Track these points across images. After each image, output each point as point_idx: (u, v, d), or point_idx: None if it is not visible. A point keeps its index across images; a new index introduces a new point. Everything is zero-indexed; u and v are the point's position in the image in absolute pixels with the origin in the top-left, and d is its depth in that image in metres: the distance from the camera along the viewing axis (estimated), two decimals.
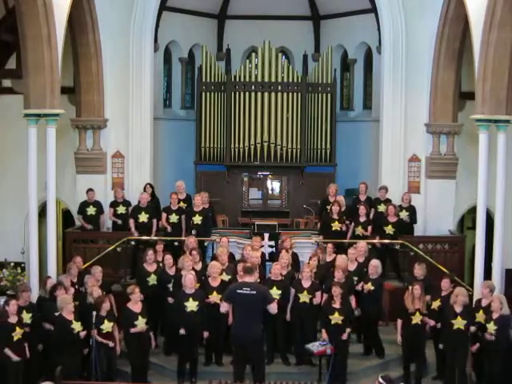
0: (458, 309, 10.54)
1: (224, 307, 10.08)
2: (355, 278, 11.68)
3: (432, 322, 10.90)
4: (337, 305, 10.68)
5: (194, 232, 13.41)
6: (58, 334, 10.29)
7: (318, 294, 11.23)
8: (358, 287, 11.55)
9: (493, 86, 11.80)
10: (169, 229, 13.81)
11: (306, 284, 11.20)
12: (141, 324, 10.54)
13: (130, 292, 10.74)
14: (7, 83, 15.59)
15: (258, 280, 10.80)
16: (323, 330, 10.72)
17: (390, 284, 12.86)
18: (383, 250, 13.44)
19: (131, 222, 13.99)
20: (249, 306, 9.59)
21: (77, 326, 10.22)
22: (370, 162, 16.51)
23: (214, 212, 14.50)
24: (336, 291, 10.66)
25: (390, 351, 11.70)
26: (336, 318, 10.61)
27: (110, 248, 13.61)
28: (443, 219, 14.99)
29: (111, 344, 10.42)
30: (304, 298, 11.12)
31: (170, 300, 11.35)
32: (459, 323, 10.45)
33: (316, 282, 11.32)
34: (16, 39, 13.00)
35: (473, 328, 10.46)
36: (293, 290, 11.22)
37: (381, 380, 7.48)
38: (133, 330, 10.49)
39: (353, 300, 11.31)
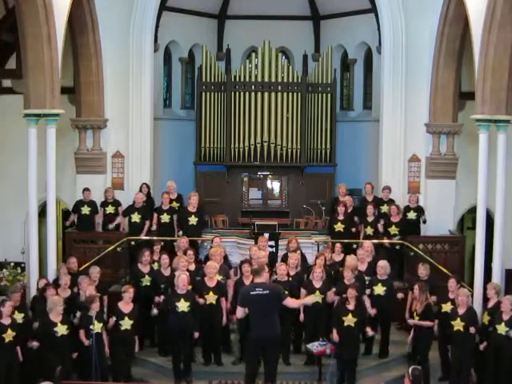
0: (460, 310, 10.53)
1: (240, 312, 9.72)
2: (367, 278, 11.65)
3: (425, 324, 10.85)
4: (351, 306, 10.63)
5: (180, 233, 13.46)
6: (41, 335, 10.17)
7: (330, 292, 11.22)
8: (367, 292, 11.45)
9: (493, 86, 11.79)
10: (154, 227, 13.81)
11: (318, 284, 11.19)
12: (126, 325, 10.49)
13: (123, 291, 10.73)
14: (7, 83, 15.57)
15: (268, 280, 10.74)
16: (334, 331, 10.69)
17: None
18: (391, 250, 13.44)
19: (118, 218, 14.09)
20: (264, 307, 9.44)
21: (61, 329, 10.06)
22: (370, 162, 16.50)
23: (204, 212, 14.49)
24: (352, 293, 10.62)
25: (390, 351, 11.71)
26: (349, 320, 10.58)
27: (110, 248, 13.60)
28: (443, 219, 14.97)
29: (87, 342, 10.21)
30: (316, 298, 11.05)
31: (157, 299, 11.43)
32: (459, 325, 10.43)
33: (326, 281, 11.31)
34: (16, 39, 13.03)
35: (472, 329, 10.44)
36: (304, 291, 11.20)
37: (410, 372, 7.42)
38: (108, 326, 10.46)
39: (367, 301, 11.29)
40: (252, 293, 9.52)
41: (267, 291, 9.48)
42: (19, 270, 13.91)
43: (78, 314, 10.58)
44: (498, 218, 12.05)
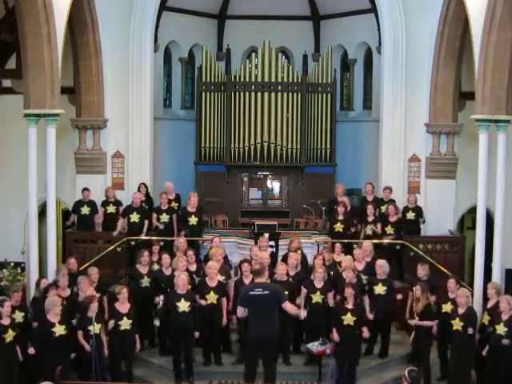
0: (460, 310, 10.51)
1: (240, 311, 9.75)
2: (365, 277, 11.64)
3: (426, 323, 10.85)
4: (349, 305, 10.64)
5: (182, 233, 13.44)
6: (39, 336, 10.15)
7: (330, 294, 11.22)
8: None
9: (493, 86, 11.80)
10: (161, 227, 13.78)
11: (319, 284, 11.18)
12: (125, 325, 10.46)
13: (117, 292, 10.69)
14: (7, 83, 15.59)
15: (268, 280, 10.71)
16: (334, 330, 10.69)
17: None
18: (388, 250, 13.43)
19: (120, 221, 13.99)
20: (263, 307, 9.44)
21: (59, 330, 10.02)
22: (370, 162, 16.52)
23: (204, 212, 14.52)
24: (348, 292, 10.62)
25: (390, 351, 11.68)
26: (348, 319, 10.57)
27: (110, 248, 13.61)
28: (443, 219, 14.98)
29: (88, 347, 10.16)
30: (317, 298, 11.09)
31: (157, 300, 11.35)
32: (457, 324, 10.42)
33: (327, 282, 11.30)
34: (16, 39, 13.03)
35: (470, 329, 10.43)
36: (304, 290, 11.21)
37: (406, 374, 7.42)
38: (108, 328, 10.40)
39: (367, 301, 11.29)
40: (251, 293, 9.51)
41: (267, 291, 9.47)
42: (19, 270, 13.91)
43: (78, 315, 10.56)
44: (498, 218, 12.04)
